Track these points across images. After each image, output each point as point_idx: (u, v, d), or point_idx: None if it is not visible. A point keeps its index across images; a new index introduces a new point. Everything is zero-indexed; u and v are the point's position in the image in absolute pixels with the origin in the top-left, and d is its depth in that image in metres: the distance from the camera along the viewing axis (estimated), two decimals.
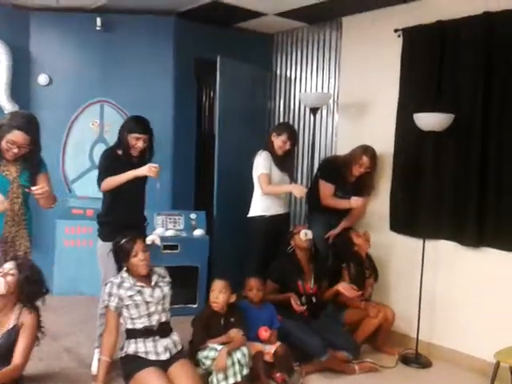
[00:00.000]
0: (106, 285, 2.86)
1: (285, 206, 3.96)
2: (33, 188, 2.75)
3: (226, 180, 4.37)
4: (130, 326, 2.82)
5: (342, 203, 3.91)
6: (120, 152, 3.16)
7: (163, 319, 2.86)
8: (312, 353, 3.26)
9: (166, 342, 2.82)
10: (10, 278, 2.62)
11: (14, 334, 2.63)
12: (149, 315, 2.81)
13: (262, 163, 3.72)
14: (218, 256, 4.20)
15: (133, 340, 2.79)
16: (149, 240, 3.47)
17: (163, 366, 2.74)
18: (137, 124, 3.16)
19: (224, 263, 4.15)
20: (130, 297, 2.79)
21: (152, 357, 2.75)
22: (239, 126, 4.58)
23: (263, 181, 3.71)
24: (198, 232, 4.14)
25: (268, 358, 3.19)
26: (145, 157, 3.20)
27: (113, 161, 3.15)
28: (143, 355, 2.75)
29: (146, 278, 2.87)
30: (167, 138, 4.58)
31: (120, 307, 2.80)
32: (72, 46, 4.64)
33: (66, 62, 4.63)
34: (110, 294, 2.81)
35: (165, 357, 2.77)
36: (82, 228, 4.57)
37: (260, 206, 3.78)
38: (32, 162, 2.88)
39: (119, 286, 2.82)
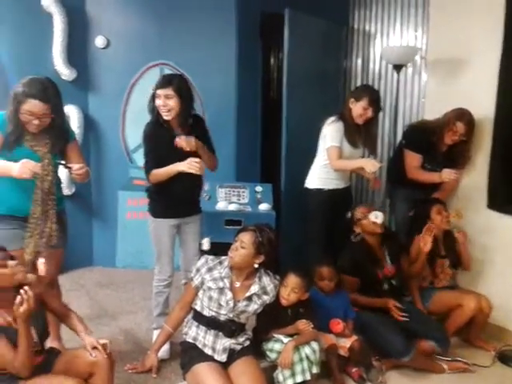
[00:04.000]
0: (200, 259, 2.65)
1: (346, 180, 3.55)
2: (74, 167, 2.50)
3: (294, 151, 3.96)
4: (198, 308, 2.58)
5: (432, 176, 3.39)
6: (154, 123, 2.83)
7: (235, 320, 2.55)
8: (393, 352, 2.84)
9: (228, 342, 2.52)
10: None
11: None
12: (217, 313, 2.53)
13: (332, 134, 3.32)
14: (284, 232, 3.84)
15: (196, 323, 2.57)
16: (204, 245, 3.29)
17: (223, 363, 2.47)
18: (159, 79, 2.81)
19: (291, 240, 3.79)
20: (209, 288, 2.52)
21: (208, 351, 2.49)
22: (310, 89, 4.12)
23: (333, 155, 3.30)
24: (264, 206, 3.79)
25: (343, 352, 2.85)
26: (186, 123, 2.82)
27: (152, 140, 2.84)
28: (200, 346, 2.51)
29: (247, 281, 2.55)
30: (230, 103, 4.22)
31: (200, 287, 2.57)
32: (129, 5, 4.34)
33: (123, 22, 4.34)
34: (197, 270, 2.58)
35: (220, 358, 2.48)
36: (145, 200, 4.39)
37: (318, 177, 3.46)
38: (57, 132, 2.57)
39: (209, 269, 2.56)
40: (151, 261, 4.17)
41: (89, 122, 4.34)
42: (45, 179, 2.53)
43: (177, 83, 2.74)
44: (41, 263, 2.40)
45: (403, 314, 2.96)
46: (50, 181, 2.55)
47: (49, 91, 2.45)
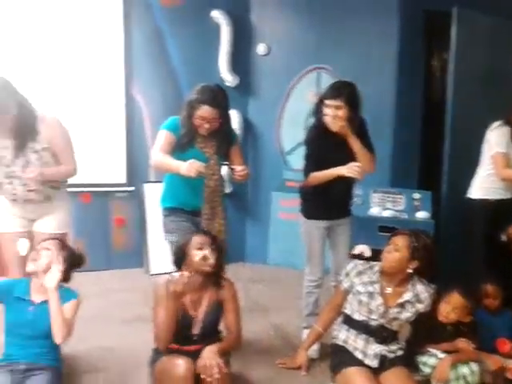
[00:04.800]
0: (349, 263, 2.64)
1: None
2: (237, 169, 2.68)
3: (459, 157, 3.73)
4: (348, 312, 2.56)
5: None
6: (318, 127, 2.85)
7: (387, 327, 2.49)
8: None
9: (379, 348, 2.45)
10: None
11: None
12: (368, 318, 2.49)
13: (497, 139, 3.11)
14: (443, 244, 3.61)
15: (346, 327, 2.55)
16: (357, 250, 3.16)
17: (374, 370, 2.41)
18: (329, 89, 2.79)
19: (451, 253, 3.55)
20: (358, 292, 2.50)
21: (358, 355, 2.45)
22: (479, 91, 3.84)
23: (499, 162, 3.09)
24: (422, 214, 3.62)
25: (510, 374, 2.59)
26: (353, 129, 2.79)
27: (314, 144, 2.87)
28: (351, 349, 2.48)
29: (400, 287, 2.48)
30: (388, 105, 4.14)
31: (349, 291, 2.57)
32: (290, 12, 4.48)
33: (283, 29, 4.52)
34: (347, 275, 2.58)
35: (371, 363, 2.42)
36: (297, 201, 4.49)
37: (482, 186, 3.24)
38: (223, 135, 2.78)
39: (359, 273, 2.55)
40: (301, 261, 4.27)
41: (248, 126, 4.58)
42: (211, 178, 2.75)
43: (347, 94, 2.73)
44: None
45: None
46: (216, 180, 2.78)
47: (219, 98, 2.67)
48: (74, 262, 2.44)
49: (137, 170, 4.50)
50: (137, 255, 4.51)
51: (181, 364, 2.20)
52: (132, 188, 4.51)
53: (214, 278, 2.44)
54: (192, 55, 4.43)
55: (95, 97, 4.30)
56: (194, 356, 2.27)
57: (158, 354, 2.37)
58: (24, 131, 2.52)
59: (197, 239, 2.40)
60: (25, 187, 2.54)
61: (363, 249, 3.29)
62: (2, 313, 2.36)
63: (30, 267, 2.35)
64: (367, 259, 2.69)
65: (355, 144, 2.78)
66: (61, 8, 4.12)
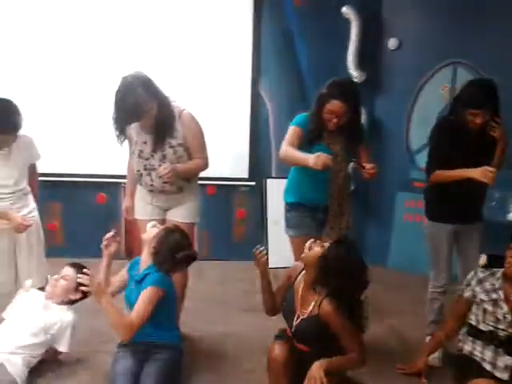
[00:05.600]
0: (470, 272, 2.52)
1: None
2: (367, 166, 2.62)
3: None
4: (473, 323, 2.41)
5: None
6: (452, 121, 2.70)
7: None
8: None
9: (510, 360, 2.26)
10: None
11: None
12: (495, 328, 2.31)
13: None
14: None
15: (471, 338, 2.40)
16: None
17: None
18: (473, 96, 2.59)
19: None
20: (482, 300, 2.36)
21: (486, 366, 2.29)
22: None
23: None
24: None
25: None
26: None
27: (443, 136, 2.71)
28: (478, 359, 2.33)
29: None
30: None
31: (472, 301, 2.43)
32: (424, 5, 4.26)
33: (416, 22, 4.31)
34: (467, 284, 2.47)
35: (502, 376, 2.24)
36: (423, 202, 4.28)
37: None
38: (352, 132, 2.72)
39: (480, 281, 2.41)
40: (425, 266, 4.06)
41: (374, 123, 4.45)
42: (339, 175, 2.73)
43: (491, 105, 2.60)
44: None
45: None
46: (343, 176, 2.76)
47: (349, 92, 2.64)
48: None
49: (259, 165, 4.61)
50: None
51: (276, 347, 2.22)
52: (253, 183, 4.62)
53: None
54: (319, 53, 4.41)
55: (222, 93, 4.47)
56: (300, 355, 2.25)
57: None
58: (163, 128, 2.69)
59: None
60: (161, 179, 2.71)
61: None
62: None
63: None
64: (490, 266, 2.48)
65: (499, 148, 2.65)
66: (193, 6, 4.34)
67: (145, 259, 2.45)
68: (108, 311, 2.23)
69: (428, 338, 2.86)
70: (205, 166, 2.85)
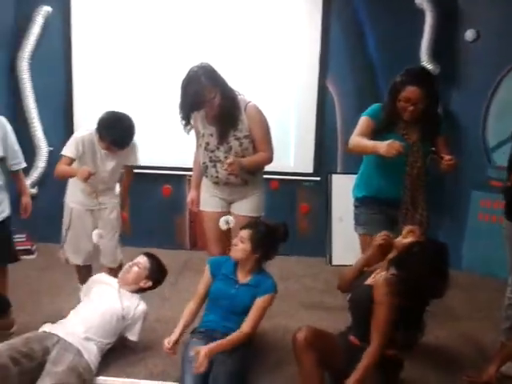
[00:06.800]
0: None
1: None
2: (446, 157, 2.49)
3: None
4: None
5: None
6: None
7: None
8: None
9: None
10: None
11: None
12: None
13: None
14: None
15: None
16: None
17: None
18: None
19: None
20: None
21: None
22: None
23: None
24: None
25: None
26: None
27: None
28: None
29: None
30: None
31: None
32: None
33: (496, 13, 4.04)
34: None
35: None
36: (500, 203, 4.04)
37: None
38: (429, 121, 2.61)
39: None
40: (499, 268, 3.83)
41: (449, 118, 4.23)
42: (414, 166, 2.61)
43: None
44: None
45: None
46: (418, 167, 2.63)
47: (424, 78, 2.53)
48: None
49: (325, 160, 4.51)
50: (319, 244, 4.53)
51: (302, 328, 2.20)
52: (318, 178, 4.54)
53: None
54: (391, 45, 4.26)
55: (288, 86, 4.42)
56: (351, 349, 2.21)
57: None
58: (227, 120, 2.69)
59: None
60: (226, 171, 2.70)
61: None
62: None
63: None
64: None
65: None
66: None
67: (244, 263, 2.53)
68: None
69: (501, 345, 2.67)
70: (269, 159, 2.82)
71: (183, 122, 2.73)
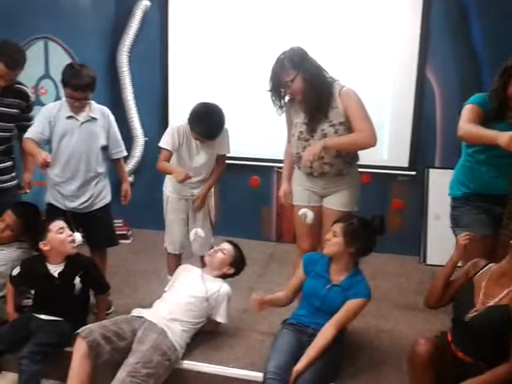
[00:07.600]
0: None
1: None
2: None
3: None
4: None
5: None
6: None
7: None
8: None
9: None
10: None
11: None
12: None
13: None
14: None
15: None
16: None
17: None
18: None
19: None
20: None
21: None
22: None
23: None
24: None
25: None
26: None
27: None
28: None
29: None
30: None
31: None
32: None
33: None
34: None
35: None
36: None
37: None
38: None
39: None
40: None
41: None
42: None
43: None
44: None
45: None
46: None
47: None
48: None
49: (422, 154, 4.27)
50: (412, 242, 4.31)
51: (422, 341, 2.03)
52: (414, 173, 4.31)
53: None
54: (498, 37, 3.91)
55: (385, 75, 4.23)
56: (459, 365, 2.04)
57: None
58: (315, 105, 2.57)
59: None
60: (321, 160, 2.59)
61: None
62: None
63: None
64: None
65: None
66: None
67: (338, 259, 2.47)
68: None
69: None
70: (365, 138, 2.51)
71: (275, 106, 2.70)
